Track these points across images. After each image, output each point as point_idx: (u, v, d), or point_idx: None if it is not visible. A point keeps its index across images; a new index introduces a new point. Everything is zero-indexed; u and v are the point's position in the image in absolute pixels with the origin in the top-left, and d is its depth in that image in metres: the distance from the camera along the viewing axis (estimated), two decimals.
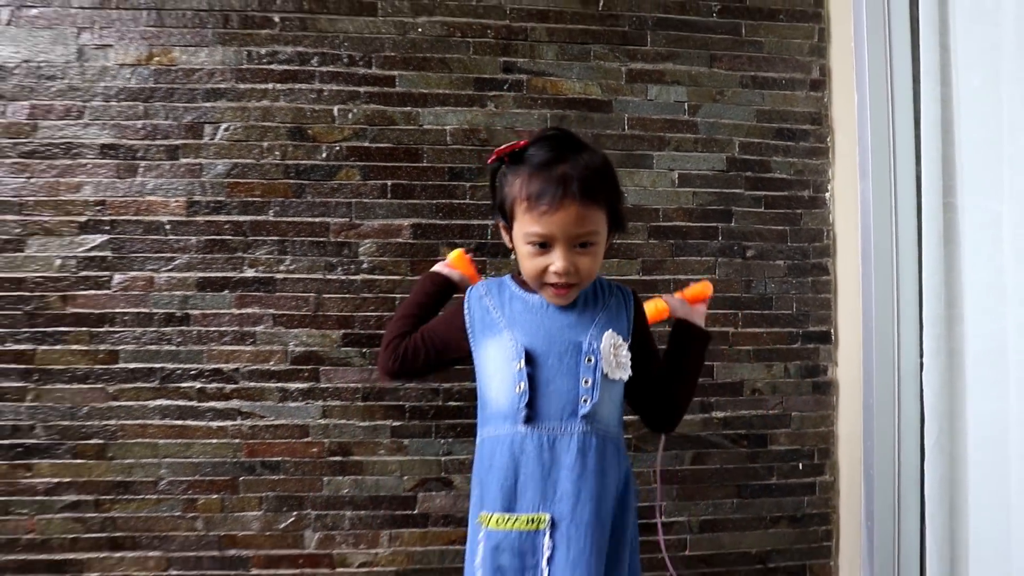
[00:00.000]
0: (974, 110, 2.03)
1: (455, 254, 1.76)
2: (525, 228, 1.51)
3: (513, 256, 1.63)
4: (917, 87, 2.20)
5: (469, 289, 1.65)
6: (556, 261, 1.50)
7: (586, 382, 1.54)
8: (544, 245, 1.51)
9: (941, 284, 2.13)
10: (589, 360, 1.55)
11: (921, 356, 2.19)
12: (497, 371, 1.57)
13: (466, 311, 1.62)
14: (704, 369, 2.22)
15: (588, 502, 1.52)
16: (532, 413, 1.53)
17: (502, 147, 1.55)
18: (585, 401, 1.53)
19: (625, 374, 1.56)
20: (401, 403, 2.16)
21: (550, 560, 1.50)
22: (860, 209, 2.28)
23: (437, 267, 1.76)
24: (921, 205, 2.18)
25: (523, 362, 1.54)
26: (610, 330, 1.57)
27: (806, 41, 2.39)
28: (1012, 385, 1.90)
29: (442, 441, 2.19)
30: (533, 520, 1.51)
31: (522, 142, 1.54)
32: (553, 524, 1.51)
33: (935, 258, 2.14)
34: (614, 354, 1.56)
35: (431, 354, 1.63)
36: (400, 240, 2.19)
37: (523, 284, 1.61)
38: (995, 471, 1.99)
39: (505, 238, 1.60)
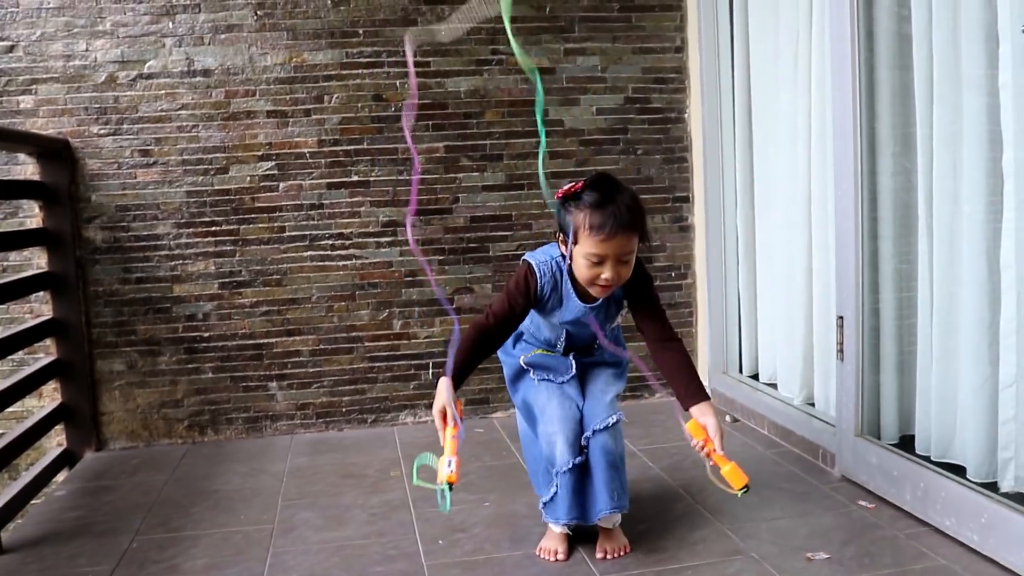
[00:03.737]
0: (761, 65, 3.59)
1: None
2: (587, 249, 2.12)
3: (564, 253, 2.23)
4: (732, 51, 3.79)
5: (539, 275, 2.27)
6: (607, 272, 2.12)
7: (598, 339, 2.39)
8: (599, 262, 2.13)
9: (746, 167, 3.75)
10: (603, 329, 2.36)
11: (736, 208, 3.84)
12: (548, 326, 2.40)
13: (538, 291, 2.28)
14: None
15: (594, 357, 2.47)
16: (567, 352, 2.44)
17: (566, 188, 2.20)
18: (598, 345, 2.45)
19: (617, 322, 2.47)
20: (443, 246, 3.84)
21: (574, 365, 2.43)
22: (701, 123, 3.90)
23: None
24: (735, 119, 3.81)
25: (563, 337, 2.40)
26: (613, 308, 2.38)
27: (671, 23, 3.95)
28: (780, 225, 3.55)
29: (467, 266, 3.87)
30: (564, 355, 2.44)
31: (579, 185, 2.17)
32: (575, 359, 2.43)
33: (743, 153, 3.76)
34: (616, 316, 2.43)
35: (523, 314, 2.34)
36: (438, 155, 3.83)
37: (575, 285, 2.27)
38: (773, 277, 3.63)
39: (562, 247, 2.22)
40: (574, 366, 2.43)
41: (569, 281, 2.28)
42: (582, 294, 2.29)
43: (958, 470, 2.46)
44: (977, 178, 2.37)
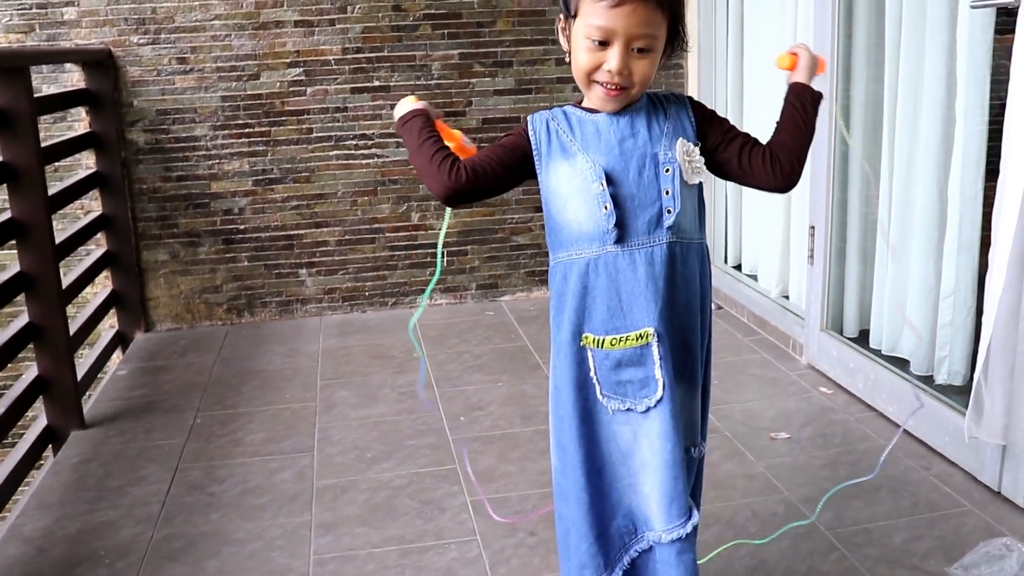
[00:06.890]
0: (757, 20, 3.89)
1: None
2: (587, 19, 1.44)
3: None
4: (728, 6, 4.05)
5: (530, 116, 1.60)
6: (612, 60, 1.45)
7: (667, 192, 1.54)
8: (603, 43, 1.45)
9: (737, 102, 4.08)
10: (667, 170, 1.54)
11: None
12: (575, 193, 1.55)
13: (531, 135, 1.57)
14: None
15: (682, 308, 1.59)
16: (621, 232, 1.54)
17: None
18: (669, 211, 1.54)
19: (700, 178, 1.58)
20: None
21: (661, 367, 1.56)
22: (696, 69, 4.18)
23: (413, 107, 1.71)
24: (728, 67, 4.09)
25: (604, 183, 1.52)
26: (681, 138, 1.56)
27: None
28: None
29: None
30: (641, 336, 1.56)
31: None
32: (657, 336, 1.56)
33: (734, 95, 4.07)
34: (689, 160, 1.55)
35: (498, 177, 1.57)
36: (452, 62, 4.13)
37: (586, 109, 1.58)
38: None
39: (562, 39, 1.56)
40: (659, 366, 1.58)
41: (579, 108, 1.60)
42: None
43: (903, 363, 2.89)
44: (933, 116, 2.71)
